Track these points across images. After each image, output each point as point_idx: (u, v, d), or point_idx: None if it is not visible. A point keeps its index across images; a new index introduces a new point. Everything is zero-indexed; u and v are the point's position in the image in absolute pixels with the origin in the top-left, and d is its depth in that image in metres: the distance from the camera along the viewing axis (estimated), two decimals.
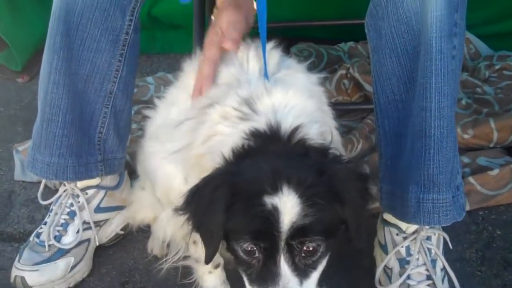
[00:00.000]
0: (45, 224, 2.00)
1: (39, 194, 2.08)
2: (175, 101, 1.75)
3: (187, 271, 1.86)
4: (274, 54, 1.66)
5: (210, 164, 1.41)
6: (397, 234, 1.83)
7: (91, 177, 1.98)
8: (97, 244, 2.07)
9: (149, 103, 2.36)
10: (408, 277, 1.79)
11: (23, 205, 2.35)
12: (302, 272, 1.30)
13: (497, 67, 2.81)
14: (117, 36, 1.86)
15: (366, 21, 1.78)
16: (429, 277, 1.79)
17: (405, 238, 1.81)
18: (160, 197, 1.74)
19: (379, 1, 1.71)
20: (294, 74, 1.64)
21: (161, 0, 3.15)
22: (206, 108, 1.53)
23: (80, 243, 2.00)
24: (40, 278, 1.91)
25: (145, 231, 2.11)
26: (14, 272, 1.92)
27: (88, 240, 2.03)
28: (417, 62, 1.63)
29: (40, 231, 2.00)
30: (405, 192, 1.70)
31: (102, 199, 2.06)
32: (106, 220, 2.10)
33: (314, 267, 1.32)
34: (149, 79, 2.96)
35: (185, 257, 1.84)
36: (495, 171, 2.25)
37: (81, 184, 2.00)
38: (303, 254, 1.29)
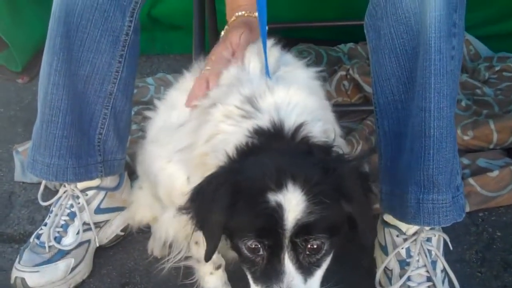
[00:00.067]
0: (45, 225, 2.00)
1: (39, 195, 2.08)
2: (175, 104, 1.75)
3: (188, 272, 1.86)
4: (273, 51, 1.66)
5: (213, 162, 1.41)
6: (397, 236, 1.83)
7: (91, 178, 1.98)
8: (97, 245, 2.07)
9: (149, 104, 2.37)
10: (409, 279, 1.79)
11: (23, 206, 2.35)
12: (306, 270, 1.30)
13: (497, 68, 2.81)
14: (117, 37, 1.86)
15: (365, 21, 1.78)
16: (429, 279, 1.79)
17: (405, 240, 1.82)
18: (163, 198, 1.74)
19: (378, 1, 1.71)
20: (293, 71, 1.63)
21: (161, 1, 3.14)
22: (208, 108, 1.53)
23: (80, 244, 2.00)
24: (40, 279, 1.91)
25: (145, 232, 2.11)
26: (14, 273, 1.92)
27: (88, 241, 2.03)
28: (416, 62, 1.63)
29: (40, 232, 2.00)
30: (405, 192, 1.70)
31: (102, 200, 2.06)
32: (106, 221, 2.10)
33: (318, 265, 1.32)
34: (149, 80, 2.96)
35: (187, 258, 1.84)
36: (495, 173, 2.25)
37: (81, 185, 2.00)
38: (307, 252, 1.29)
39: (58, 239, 1.97)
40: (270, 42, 1.65)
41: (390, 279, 1.83)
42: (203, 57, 1.84)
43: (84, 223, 2.01)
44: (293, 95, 1.47)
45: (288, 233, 1.25)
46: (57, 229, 1.98)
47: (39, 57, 1.90)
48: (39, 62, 1.89)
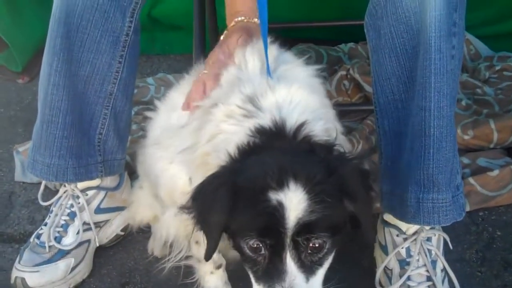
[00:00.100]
0: (45, 225, 2.00)
1: (39, 195, 2.08)
2: (175, 106, 1.75)
3: (189, 271, 1.86)
4: (271, 50, 1.65)
5: (215, 162, 1.41)
6: (397, 235, 1.83)
7: (91, 178, 1.98)
8: (98, 245, 2.07)
9: (149, 104, 2.37)
10: (408, 278, 1.79)
11: (23, 206, 2.35)
12: (308, 269, 1.30)
13: (497, 68, 2.81)
14: (117, 38, 1.87)
15: (365, 21, 1.78)
16: (429, 278, 1.79)
17: (405, 239, 1.81)
18: (164, 198, 1.74)
19: (378, 1, 1.71)
20: (293, 69, 1.63)
21: (161, 1, 3.15)
22: (210, 108, 1.53)
23: (80, 244, 2.00)
24: (40, 279, 1.91)
25: (145, 231, 2.11)
26: (15, 273, 1.92)
27: (89, 241, 2.03)
28: (416, 61, 1.63)
29: (40, 232, 2.00)
30: (405, 192, 1.70)
31: (102, 200, 2.06)
32: (106, 221, 2.10)
33: (320, 263, 1.32)
34: (149, 80, 2.96)
35: (187, 257, 1.84)
36: (495, 172, 2.25)
37: (81, 185, 2.00)
38: (309, 251, 1.29)
39: (58, 239, 1.97)
40: (267, 41, 1.64)
41: (390, 279, 1.83)
42: (204, 57, 1.84)
43: (84, 223, 2.01)
44: (295, 94, 1.47)
45: (289, 232, 1.25)
46: (57, 229, 1.98)
47: (39, 57, 1.90)
48: (39, 62, 1.89)
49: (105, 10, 1.83)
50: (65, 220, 2.00)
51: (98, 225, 2.07)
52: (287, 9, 3.02)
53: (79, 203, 2.01)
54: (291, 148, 1.36)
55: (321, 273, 1.33)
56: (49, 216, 2.02)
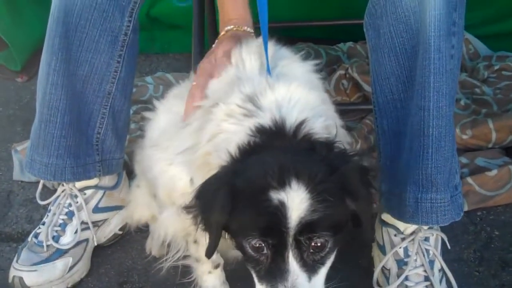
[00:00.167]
0: (43, 224, 2.00)
1: (37, 194, 2.08)
2: (173, 110, 1.75)
3: (186, 271, 1.86)
4: (269, 47, 1.65)
5: (216, 162, 1.41)
6: (395, 235, 1.83)
7: (89, 177, 1.98)
8: (96, 244, 2.07)
9: (148, 103, 2.36)
10: (406, 278, 1.79)
11: (21, 205, 2.35)
12: (310, 268, 1.29)
13: (496, 67, 2.81)
14: (115, 37, 1.86)
15: (364, 20, 1.78)
16: (427, 278, 1.79)
17: (403, 239, 1.82)
18: (162, 198, 1.74)
19: (378, 0, 1.71)
20: (290, 64, 1.63)
21: (160, 0, 3.14)
22: (210, 107, 1.52)
23: (78, 243, 2.00)
24: (38, 278, 1.91)
25: (143, 231, 2.11)
26: (12, 273, 1.92)
27: (87, 240, 2.03)
28: (416, 61, 1.63)
29: (38, 231, 2.00)
30: (403, 191, 1.70)
31: (101, 199, 2.06)
32: (104, 220, 2.10)
33: (322, 262, 1.32)
34: (148, 79, 2.95)
35: (185, 257, 1.84)
36: (494, 172, 2.25)
37: (79, 184, 2.00)
38: (311, 250, 1.29)
39: (56, 238, 1.97)
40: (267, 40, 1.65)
41: (387, 279, 1.83)
42: (202, 56, 1.83)
43: (82, 222, 2.01)
44: (294, 92, 1.46)
45: (292, 232, 1.25)
46: (55, 228, 1.98)
47: (38, 56, 1.89)
48: (38, 61, 1.88)
49: (104, 9, 1.83)
50: (63, 219, 2.00)
51: (96, 224, 2.07)
52: (286, 9, 3.02)
53: (77, 202, 2.01)
54: (292, 147, 1.36)
55: (323, 272, 1.33)
56: (47, 215, 2.02)
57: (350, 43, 3.03)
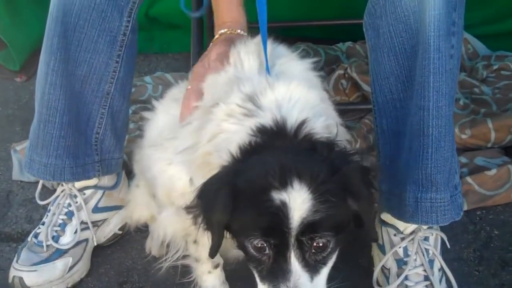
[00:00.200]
0: (43, 224, 2.00)
1: (36, 194, 2.08)
2: (170, 112, 1.75)
3: (186, 271, 1.86)
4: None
5: (217, 162, 1.41)
6: (394, 235, 1.83)
7: (88, 177, 1.98)
8: (95, 244, 2.06)
9: (147, 103, 2.36)
10: (406, 278, 1.79)
11: (21, 205, 2.35)
12: (312, 268, 1.29)
13: (495, 67, 2.81)
14: (114, 37, 1.86)
15: (364, 19, 1.78)
16: (426, 278, 1.79)
17: (402, 239, 1.82)
18: (161, 198, 1.74)
19: (378, 0, 1.71)
20: (288, 62, 1.63)
21: (159, 0, 3.14)
22: (210, 107, 1.52)
23: (78, 243, 2.00)
24: (38, 278, 1.91)
25: (143, 231, 2.11)
26: (12, 273, 1.92)
27: (86, 240, 2.03)
28: (415, 61, 1.63)
29: (38, 231, 2.00)
30: (403, 191, 1.70)
31: (100, 199, 2.06)
32: (104, 220, 2.10)
33: (324, 262, 1.32)
34: (147, 78, 2.95)
35: (185, 257, 1.84)
36: (493, 171, 2.25)
37: (78, 184, 2.00)
38: (313, 250, 1.29)
39: (56, 238, 1.97)
40: (259, 38, 1.64)
41: (387, 278, 1.83)
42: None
43: (82, 222, 2.01)
44: (294, 91, 1.46)
45: (294, 232, 1.25)
46: (55, 228, 1.98)
47: (37, 56, 1.89)
48: (37, 61, 1.88)
49: (103, 9, 1.82)
50: (62, 219, 2.00)
51: (96, 224, 2.06)
52: (285, 8, 3.02)
53: (76, 202, 2.01)
54: (293, 147, 1.35)
55: (325, 272, 1.33)
56: (47, 215, 2.02)
57: (349, 43, 3.03)
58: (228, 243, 1.41)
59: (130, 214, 2.05)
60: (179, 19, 3.08)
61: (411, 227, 1.81)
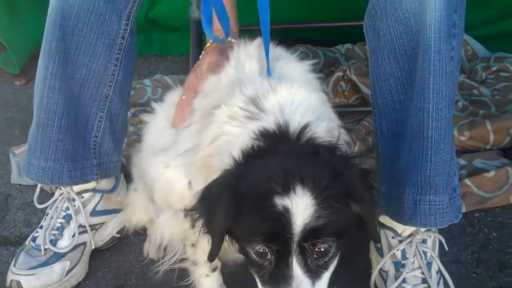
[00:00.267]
0: (41, 228, 2.00)
1: (35, 198, 2.08)
2: (169, 117, 1.75)
3: (184, 274, 1.86)
4: (264, 47, 1.65)
5: (218, 165, 1.40)
6: (392, 237, 1.83)
7: (87, 181, 1.98)
8: (93, 247, 2.06)
9: (146, 106, 2.36)
10: (404, 281, 1.79)
11: (19, 209, 2.35)
12: (314, 273, 1.29)
13: (494, 68, 2.81)
14: (113, 40, 1.86)
15: (364, 21, 1.78)
16: (424, 280, 1.79)
17: (400, 242, 1.81)
18: (159, 202, 1.74)
19: (378, 1, 1.70)
20: (287, 64, 1.62)
21: (158, 2, 3.14)
22: (212, 109, 1.51)
23: (76, 246, 1.99)
24: (36, 282, 1.90)
25: (141, 234, 2.11)
26: (10, 276, 1.92)
27: (84, 243, 2.03)
28: (416, 63, 1.63)
29: (36, 235, 1.99)
30: (402, 193, 1.70)
31: (98, 202, 2.06)
32: (102, 223, 2.09)
33: (325, 267, 1.31)
34: (146, 81, 2.95)
35: (182, 260, 1.83)
36: (491, 173, 2.25)
37: (77, 187, 2.00)
38: (315, 255, 1.28)
39: (53, 242, 1.97)
40: (259, 40, 1.64)
41: (385, 281, 1.83)
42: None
43: (80, 226, 2.01)
44: (296, 94, 1.46)
45: (296, 238, 1.24)
46: (53, 232, 1.98)
47: (37, 60, 1.89)
48: (37, 64, 1.88)
49: (101, 13, 1.82)
50: (60, 223, 1.99)
51: (94, 227, 2.06)
52: (284, 10, 3.01)
53: (74, 205, 2.01)
54: (295, 151, 1.35)
55: (326, 276, 1.33)
56: (45, 218, 2.01)
57: (348, 45, 3.03)
58: (227, 246, 1.41)
59: (129, 217, 2.04)
60: (179, 22, 3.08)
61: (409, 229, 1.81)
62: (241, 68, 1.59)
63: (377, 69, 1.74)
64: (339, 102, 2.73)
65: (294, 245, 1.25)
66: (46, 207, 2.05)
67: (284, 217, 1.23)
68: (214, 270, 1.81)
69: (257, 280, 1.34)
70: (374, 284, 1.87)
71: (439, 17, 1.56)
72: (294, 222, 1.23)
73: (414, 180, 1.66)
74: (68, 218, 2.00)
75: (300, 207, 1.23)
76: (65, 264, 1.96)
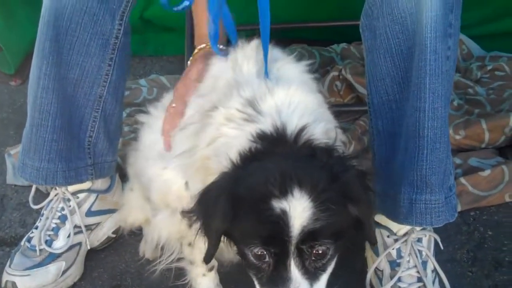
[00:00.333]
0: (36, 228, 1.99)
1: (30, 198, 2.08)
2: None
3: (180, 273, 1.86)
4: (261, 49, 1.64)
5: (216, 167, 1.40)
6: (388, 236, 1.83)
7: (81, 181, 1.97)
8: (89, 247, 2.06)
9: (142, 106, 2.35)
10: (399, 279, 1.79)
11: (14, 209, 2.34)
12: (312, 275, 1.29)
13: (489, 67, 2.82)
14: (106, 40, 1.86)
15: (361, 21, 1.78)
16: (419, 279, 1.79)
17: (396, 240, 1.82)
18: (156, 201, 1.73)
19: (374, 1, 1.70)
20: (284, 66, 1.62)
21: (153, 2, 3.13)
22: (209, 111, 1.51)
23: (71, 247, 1.99)
24: (31, 283, 1.90)
25: (137, 234, 2.10)
26: (5, 277, 1.91)
27: (80, 244, 2.02)
28: (412, 62, 1.63)
29: (31, 235, 1.99)
30: (398, 192, 1.71)
31: (93, 202, 2.06)
32: (97, 224, 2.09)
33: (323, 269, 1.32)
34: (142, 81, 2.94)
35: (179, 259, 1.83)
36: (487, 172, 2.25)
37: (72, 188, 1.99)
38: (313, 258, 1.29)
39: (49, 243, 1.96)
40: (256, 41, 1.64)
41: (381, 280, 1.83)
42: None
43: (75, 226, 2.00)
44: (293, 96, 1.46)
45: (294, 240, 1.24)
46: (48, 232, 1.98)
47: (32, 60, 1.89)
48: None
49: (94, 13, 1.82)
50: (56, 224, 1.99)
51: (89, 228, 2.06)
52: (280, 10, 3.00)
53: (70, 206, 2.00)
54: (293, 153, 1.35)
55: (324, 278, 1.33)
56: (40, 219, 2.01)
57: (343, 45, 3.02)
58: (223, 246, 1.41)
59: (124, 217, 2.04)
60: (174, 22, 3.08)
61: (404, 228, 1.81)
62: (238, 69, 1.59)
63: (373, 68, 1.74)
64: (335, 101, 2.72)
65: (292, 248, 1.25)
66: (41, 208, 2.04)
67: (282, 219, 1.23)
68: (211, 269, 1.81)
69: (256, 282, 1.34)
70: (370, 283, 1.87)
71: (435, 17, 1.56)
72: (292, 225, 1.23)
73: (410, 179, 1.67)
74: (63, 218, 1.99)
75: (298, 209, 1.23)
76: (60, 264, 1.95)
